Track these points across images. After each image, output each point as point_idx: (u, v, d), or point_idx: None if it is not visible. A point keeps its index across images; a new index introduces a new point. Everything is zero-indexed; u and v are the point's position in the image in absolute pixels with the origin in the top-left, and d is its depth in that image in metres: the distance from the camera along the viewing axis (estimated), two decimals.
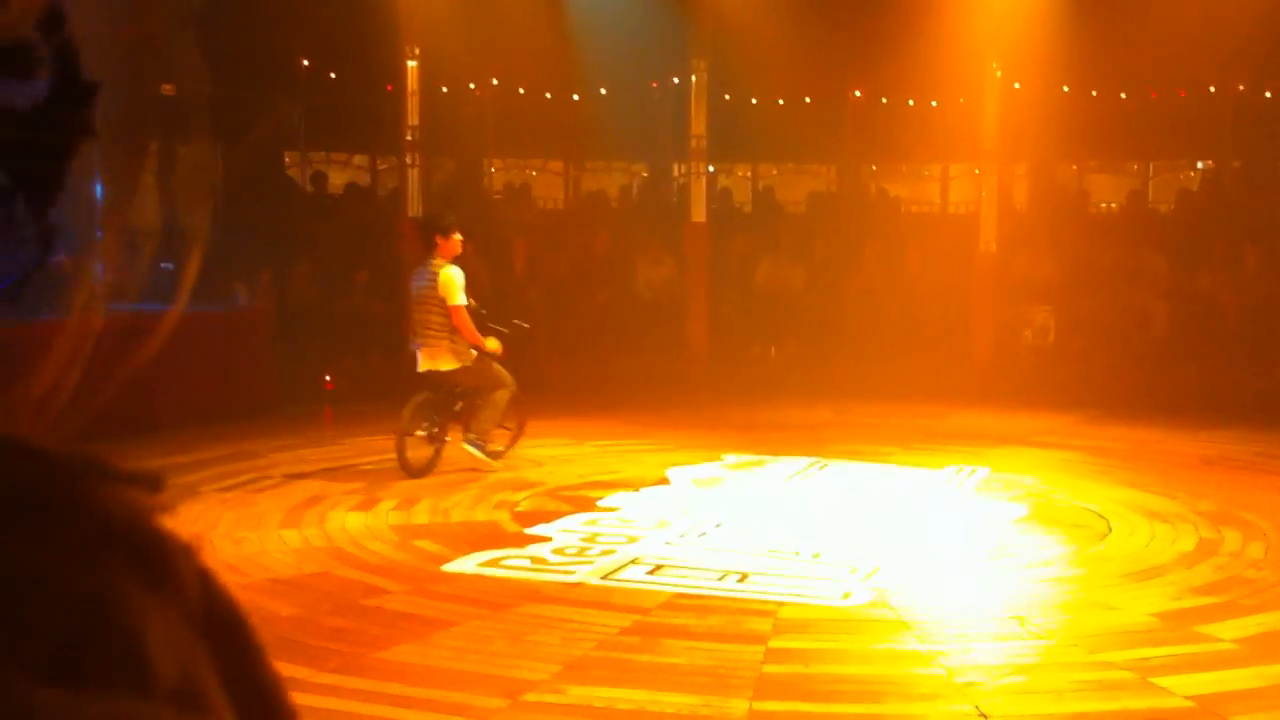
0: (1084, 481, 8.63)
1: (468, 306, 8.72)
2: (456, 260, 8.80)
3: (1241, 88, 15.08)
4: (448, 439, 8.77)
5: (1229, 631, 5.43)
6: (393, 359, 13.71)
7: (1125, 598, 5.98)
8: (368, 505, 7.71)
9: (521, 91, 16.42)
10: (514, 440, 9.23)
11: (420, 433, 8.63)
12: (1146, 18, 13.29)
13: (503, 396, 8.88)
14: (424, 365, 8.72)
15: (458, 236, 8.84)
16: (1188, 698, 4.65)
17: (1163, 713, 4.57)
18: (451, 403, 8.82)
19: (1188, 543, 6.97)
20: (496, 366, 8.84)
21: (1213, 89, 15.14)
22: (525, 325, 9.70)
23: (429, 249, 8.80)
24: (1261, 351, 12.97)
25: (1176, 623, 5.58)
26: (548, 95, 16.47)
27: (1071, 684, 4.86)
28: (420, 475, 8.50)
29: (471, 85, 16.14)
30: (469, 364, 8.71)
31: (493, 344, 8.77)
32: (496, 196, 17.24)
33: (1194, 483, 8.49)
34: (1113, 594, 6.06)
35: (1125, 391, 12.16)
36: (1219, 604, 5.86)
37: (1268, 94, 14.69)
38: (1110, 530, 7.28)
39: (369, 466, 8.86)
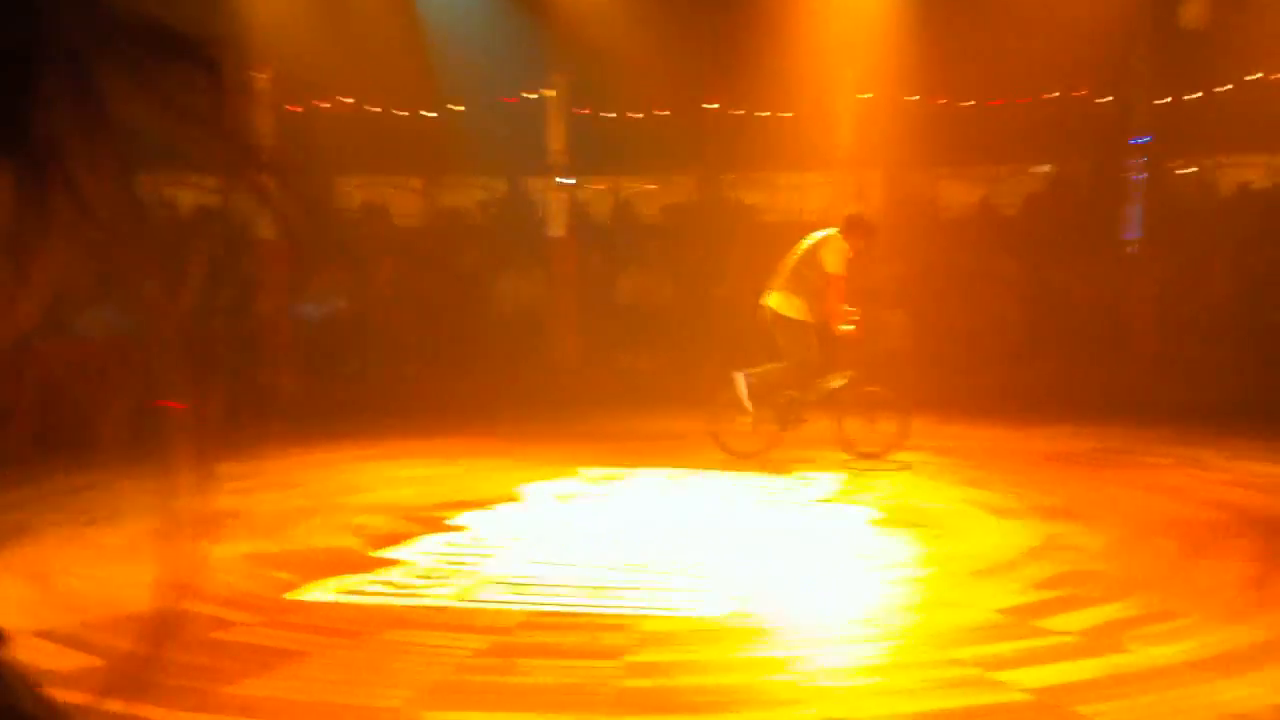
0: (933, 481, 8.85)
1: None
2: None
3: (1083, 93, 15.55)
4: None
5: (1070, 624, 5.59)
6: (250, 383, 13.50)
7: (972, 595, 6.13)
8: (215, 535, 7.51)
9: (376, 110, 16.27)
10: (887, 449, 9.50)
11: (742, 419, 9.51)
12: (991, 28, 13.66)
13: (787, 376, 9.46)
14: (768, 299, 9.55)
15: (861, 242, 9.51)
16: (1029, 691, 4.77)
17: (1005, 707, 4.67)
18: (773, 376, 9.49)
19: (1032, 539, 7.17)
20: (809, 355, 9.44)
21: (1055, 95, 15.59)
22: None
23: (851, 236, 9.47)
24: (1106, 349, 13.40)
25: (1020, 618, 5.72)
26: (404, 113, 16.35)
27: (920, 683, 4.95)
28: (750, 457, 9.48)
29: (324, 104, 15.94)
30: (796, 322, 9.41)
31: (847, 327, 9.43)
32: (353, 215, 17.05)
33: (1038, 479, 8.73)
34: (960, 592, 6.21)
35: (976, 391, 12.47)
36: (1061, 598, 6.03)
37: (1110, 98, 15.16)
38: (957, 529, 7.47)
39: (220, 493, 8.66)
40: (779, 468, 9.43)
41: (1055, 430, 10.86)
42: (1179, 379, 12.62)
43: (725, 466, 9.57)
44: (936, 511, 7.97)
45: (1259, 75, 13.66)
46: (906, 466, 9.33)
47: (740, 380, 9.50)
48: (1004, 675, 4.95)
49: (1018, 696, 4.74)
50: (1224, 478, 8.87)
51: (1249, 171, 15.29)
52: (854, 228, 9.54)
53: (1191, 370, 12.74)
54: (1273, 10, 13.02)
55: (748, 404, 9.53)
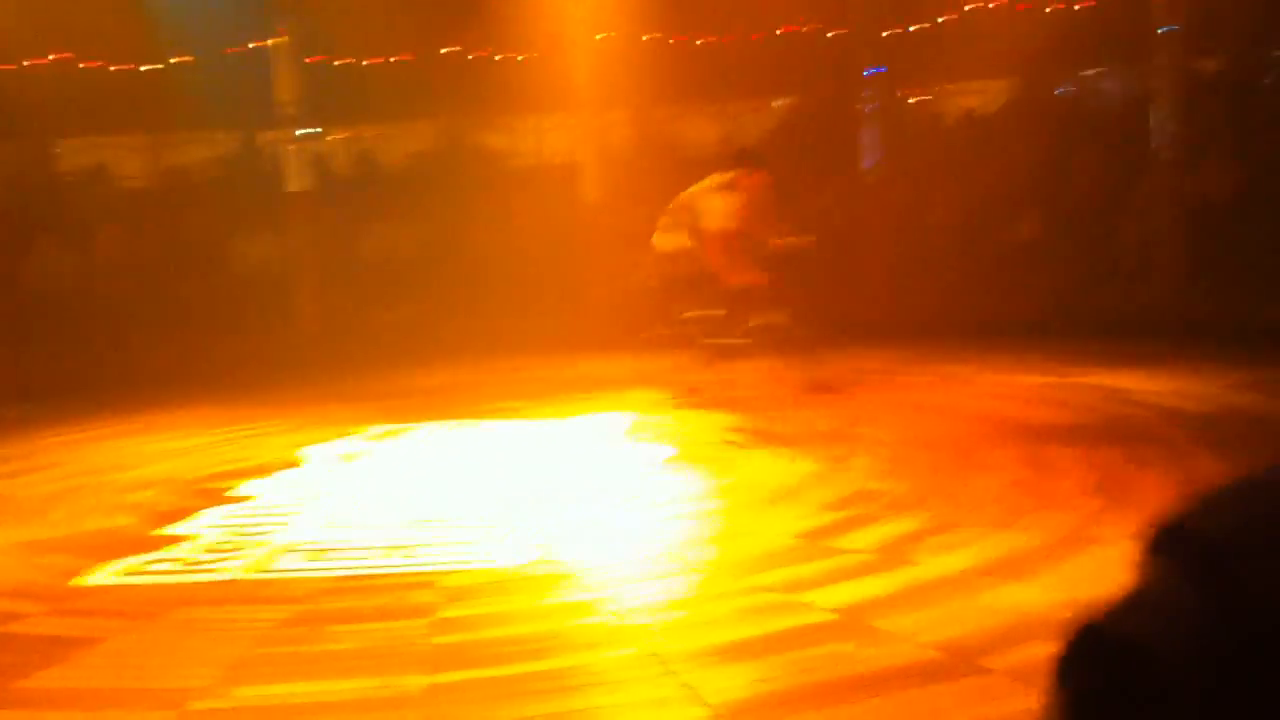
0: (713, 415, 9.02)
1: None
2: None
3: (816, 26, 15.98)
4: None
5: (861, 542, 5.81)
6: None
7: (766, 522, 6.30)
8: None
9: (92, 65, 15.36)
10: (801, 383, 9.30)
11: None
12: None
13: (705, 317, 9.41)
14: (654, 241, 9.48)
15: (761, 179, 9.17)
16: (832, 610, 4.94)
17: (810, 627, 4.81)
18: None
19: (813, 464, 7.41)
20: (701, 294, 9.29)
21: (780, 31, 15.97)
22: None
23: (732, 173, 9.18)
24: (846, 275, 13.89)
25: (815, 540, 5.92)
26: (122, 67, 15.49)
27: (728, 612, 5.05)
28: (691, 396, 9.48)
29: (27, 63, 14.96)
30: (677, 258, 9.32)
31: (739, 279, 9.18)
32: (69, 179, 16.13)
33: (807, 406, 8.99)
34: (755, 520, 6.37)
35: None
36: (849, 517, 6.26)
37: (830, 34, 15.61)
38: (743, 460, 7.66)
39: None
40: (560, 411, 9.46)
41: (811, 358, 11.20)
42: (918, 301, 13.20)
43: (504, 415, 9.53)
44: (720, 445, 8.14)
45: (980, 4, 14.34)
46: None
47: (694, 320, 9.58)
48: (806, 596, 5.11)
49: (821, 616, 4.90)
50: (980, 390, 9.37)
51: (973, 98, 16.07)
52: (745, 165, 9.36)
53: (928, 292, 13.34)
54: None
55: (711, 341, 9.63)
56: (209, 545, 6.42)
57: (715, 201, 9.14)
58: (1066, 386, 9.23)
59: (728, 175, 9.28)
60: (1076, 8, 14.37)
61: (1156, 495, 6.02)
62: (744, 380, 9.64)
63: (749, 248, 9.21)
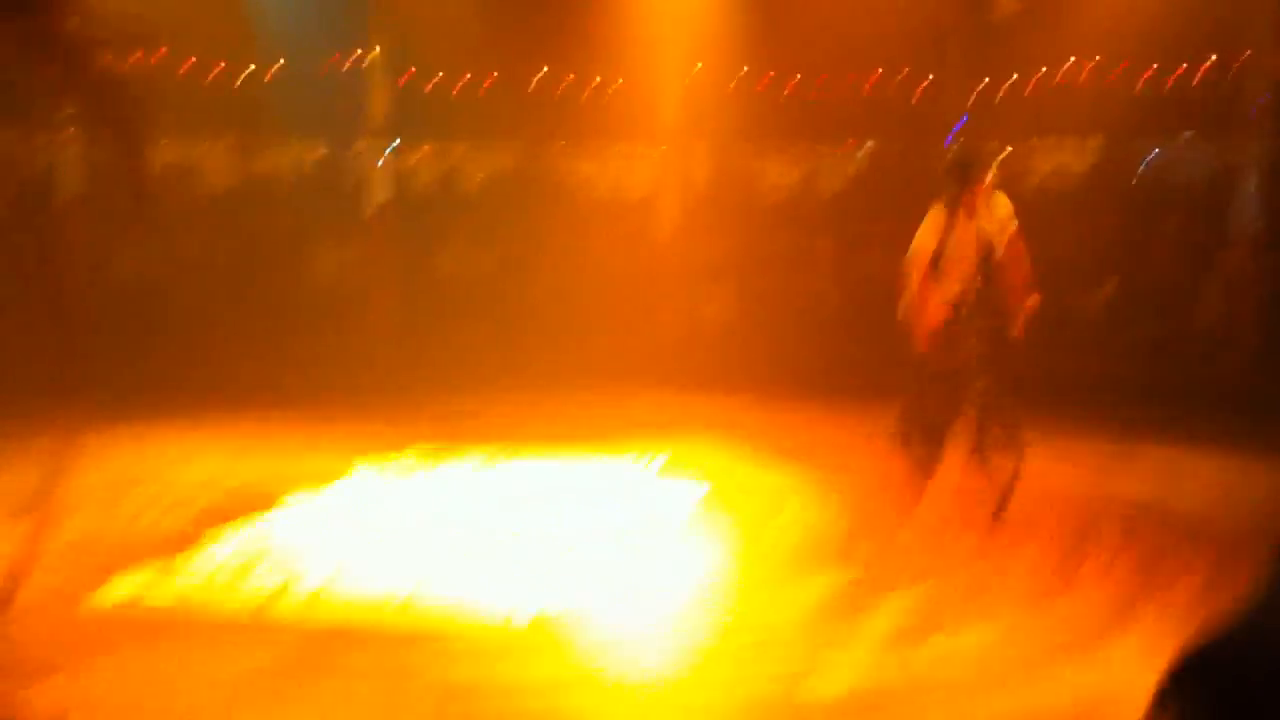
0: (753, 464, 8.77)
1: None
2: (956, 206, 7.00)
3: (906, 72, 15.77)
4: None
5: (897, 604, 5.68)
6: (49, 354, 12.82)
7: (798, 577, 6.14)
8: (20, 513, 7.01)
9: (189, 62, 15.58)
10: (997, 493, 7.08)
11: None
12: (820, 5, 13.72)
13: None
14: None
15: (977, 187, 6.96)
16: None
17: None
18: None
19: (854, 517, 7.22)
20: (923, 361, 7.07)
21: (879, 73, 15.77)
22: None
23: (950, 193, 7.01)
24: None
25: (845, 599, 5.79)
26: (218, 68, 15.70)
27: (723, 702, 4.85)
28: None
29: (135, 55, 15.21)
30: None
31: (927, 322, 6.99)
32: (159, 176, 16.35)
33: (859, 457, 8.59)
34: (786, 573, 6.22)
35: (798, 371, 12.49)
36: (884, 577, 6.09)
37: (930, 76, 15.37)
38: (772, 516, 7.41)
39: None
40: (607, 450, 9.25)
41: (872, 410, 10.95)
42: None
43: (556, 445, 9.35)
44: (762, 492, 7.94)
45: (1076, 67, 14.06)
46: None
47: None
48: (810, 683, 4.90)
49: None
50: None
51: (1063, 155, 15.72)
52: (959, 180, 7.05)
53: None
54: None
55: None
56: (219, 574, 6.32)
57: (923, 223, 7.17)
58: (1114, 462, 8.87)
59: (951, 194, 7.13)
60: (1169, 78, 14.05)
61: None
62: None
63: (940, 288, 7.17)
